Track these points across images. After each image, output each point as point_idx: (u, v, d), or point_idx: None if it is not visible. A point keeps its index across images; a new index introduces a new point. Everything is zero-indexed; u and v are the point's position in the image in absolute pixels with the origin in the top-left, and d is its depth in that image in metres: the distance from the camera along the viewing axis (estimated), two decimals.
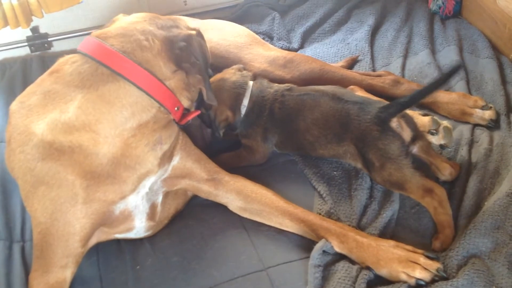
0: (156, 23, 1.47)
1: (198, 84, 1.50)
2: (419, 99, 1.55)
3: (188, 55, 1.45)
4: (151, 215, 1.57)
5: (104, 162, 1.37)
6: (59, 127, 1.34)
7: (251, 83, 1.79)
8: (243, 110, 1.76)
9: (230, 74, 1.80)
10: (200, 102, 1.63)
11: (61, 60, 1.44)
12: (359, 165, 1.63)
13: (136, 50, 1.39)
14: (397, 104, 1.55)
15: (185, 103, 1.52)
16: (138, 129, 1.40)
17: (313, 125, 1.66)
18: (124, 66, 1.37)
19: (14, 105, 1.42)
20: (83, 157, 1.34)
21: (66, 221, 1.36)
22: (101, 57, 1.37)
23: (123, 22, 1.49)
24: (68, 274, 1.41)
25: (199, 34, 1.55)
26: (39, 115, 1.36)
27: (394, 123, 1.54)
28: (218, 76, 1.80)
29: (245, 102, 1.76)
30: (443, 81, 1.53)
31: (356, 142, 1.58)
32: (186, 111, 1.55)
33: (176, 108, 1.48)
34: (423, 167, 1.62)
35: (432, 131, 1.74)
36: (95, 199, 1.38)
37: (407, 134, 1.56)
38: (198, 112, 1.61)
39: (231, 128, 1.79)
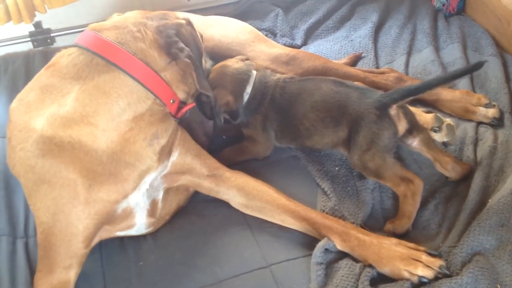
0: (147, 16, 1.49)
1: (187, 68, 1.48)
2: (425, 90, 1.54)
3: (176, 41, 1.45)
4: (152, 211, 1.57)
5: (104, 159, 1.36)
6: (58, 121, 1.34)
7: (254, 71, 1.79)
8: (246, 97, 1.76)
9: (233, 62, 1.80)
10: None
11: (58, 54, 1.45)
12: (347, 153, 1.63)
13: (130, 41, 1.40)
14: (402, 90, 1.55)
15: (181, 95, 1.52)
16: (135, 121, 1.40)
17: (312, 108, 1.66)
18: (118, 56, 1.38)
19: (14, 103, 1.42)
20: (84, 153, 1.34)
21: (69, 222, 1.35)
22: (96, 48, 1.38)
23: (116, 18, 1.51)
24: (72, 275, 1.40)
25: (189, 22, 1.56)
26: (38, 110, 1.36)
27: (393, 110, 1.54)
28: (220, 63, 1.81)
29: (248, 89, 1.75)
30: (453, 76, 1.54)
31: (351, 125, 1.58)
32: (183, 104, 1.55)
33: (171, 101, 1.48)
34: (403, 161, 1.67)
35: (435, 128, 1.73)
36: (98, 199, 1.37)
37: (402, 126, 1.56)
38: (193, 104, 1.59)
39: (232, 116, 1.77)
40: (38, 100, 1.37)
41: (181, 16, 1.58)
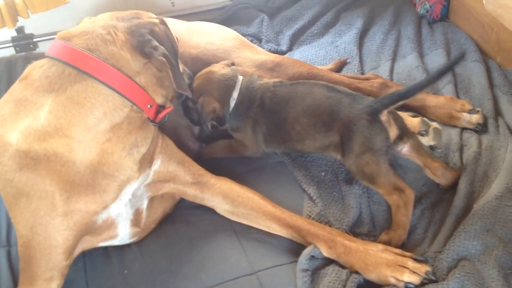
0: (117, 17, 1.45)
1: (162, 67, 1.45)
2: (415, 92, 1.54)
3: (149, 39, 1.42)
4: (136, 221, 1.55)
5: (81, 170, 1.34)
6: (33, 134, 1.31)
7: (241, 77, 1.78)
8: (232, 103, 1.74)
9: (219, 68, 1.78)
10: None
11: (29, 66, 1.42)
12: (339, 157, 1.63)
13: (100, 45, 1.37)
14: (392, 95, 1.55)
15: (159, 100, 1.49)
16: (112, 131, 1.37)
17: (303, 113, 1.65)
18: (89, 64, 1.34)
19: None
20: (60, 165, 1.31)
21: (48, 234, 1.33)
22: (66, 58, 1.35)
23: (86, 22, 1.47)
24: (53, 287, 1.38)
25: (162, 21, 1.53)
26: (12, 124, 1.34)
27: (384, 116, 1.54)
28: (206, 69, 1.79)
29: (235, 95, 1.74)
30: (438, 74, 1.55)
31: (343, 130, 1.58)
32: (161, 109, 1.52)
33: (149, 106, 1.44)
34: (396, 169, 1.66)
35: (421, 132, 1.74)
36: (76, 210, 1.35)
37: (393, 132, 1.57)
38: (171, 108, 1.56)
39: (219, 122, 1.76)
40: (12, 114, 1.35)
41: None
